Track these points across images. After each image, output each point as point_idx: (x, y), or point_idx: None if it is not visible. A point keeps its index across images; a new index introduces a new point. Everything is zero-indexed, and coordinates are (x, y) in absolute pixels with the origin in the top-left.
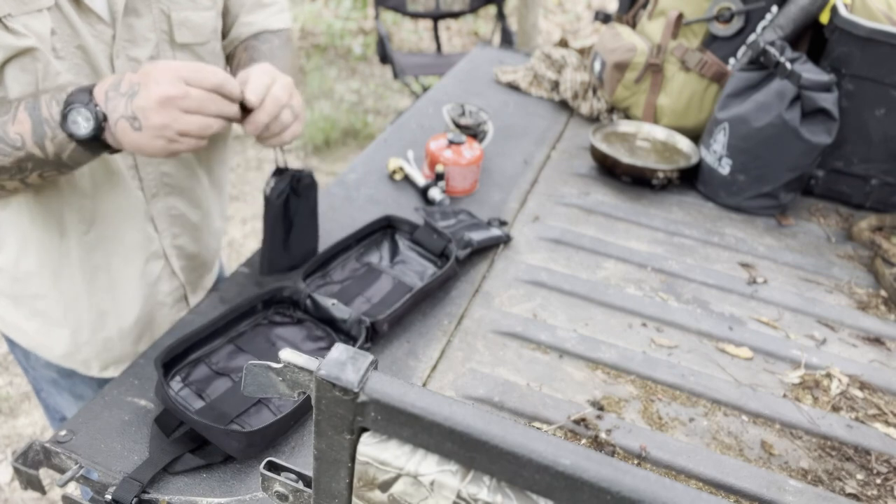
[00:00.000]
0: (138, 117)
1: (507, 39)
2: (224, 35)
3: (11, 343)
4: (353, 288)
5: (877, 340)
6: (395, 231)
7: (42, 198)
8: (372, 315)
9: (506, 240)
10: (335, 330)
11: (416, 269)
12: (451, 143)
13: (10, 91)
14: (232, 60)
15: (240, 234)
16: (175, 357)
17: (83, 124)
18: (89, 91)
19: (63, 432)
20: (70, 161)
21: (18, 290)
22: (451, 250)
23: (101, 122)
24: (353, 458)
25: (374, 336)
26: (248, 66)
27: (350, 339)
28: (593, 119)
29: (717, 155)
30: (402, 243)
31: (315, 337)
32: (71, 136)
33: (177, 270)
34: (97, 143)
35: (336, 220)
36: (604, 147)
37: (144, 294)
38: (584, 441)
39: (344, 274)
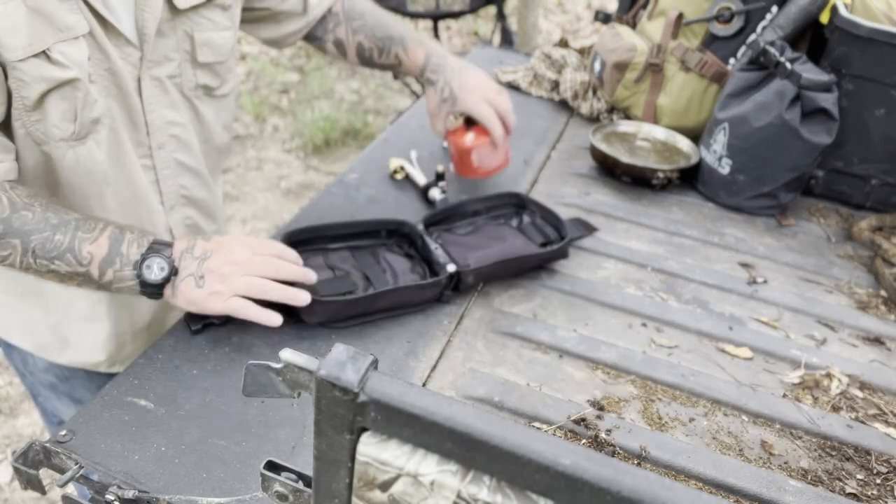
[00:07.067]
0: (205, 277)
1: (507, 39)
2: (294, 17)
3: (9, 347)
4: (474, 240)
5: (877, 340)
6: (524, 209)
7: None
8: (467, 266)
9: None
10: (433, 273)
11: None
12: (469, 123)
13: (50, 118)
14: (344, 46)
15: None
16: (296, 243)
17: (157, 272)
18: (169, 246)
19: (63, 432)
20: (115, 290)
21: (36, 289)
22: (565, 232)
23: (171, 275)
24: (353, 458)
25: (459, 285)
26: (386, 50)
27: (440, 282)
28: (593, 119)
29: (717, 155)
30: (527, 219)
31: (416, 272)
32: (139, 276)
33: None
34: (155, 289)
35: (336, 220)
36: (604, 147)
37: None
38: (584, 441)
39: (468, 229)
